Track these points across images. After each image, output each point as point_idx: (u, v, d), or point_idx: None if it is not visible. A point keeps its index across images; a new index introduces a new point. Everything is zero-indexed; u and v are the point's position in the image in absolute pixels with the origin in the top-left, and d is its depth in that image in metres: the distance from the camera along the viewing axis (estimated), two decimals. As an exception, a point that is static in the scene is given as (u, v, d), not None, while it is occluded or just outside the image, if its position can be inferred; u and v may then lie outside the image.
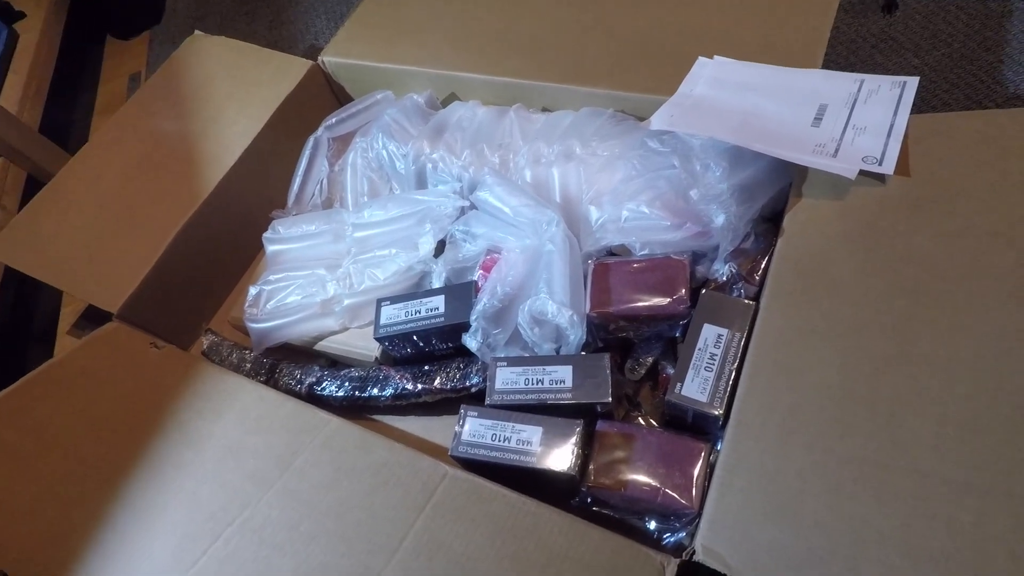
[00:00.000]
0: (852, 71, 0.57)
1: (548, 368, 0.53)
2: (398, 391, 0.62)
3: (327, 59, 0.80)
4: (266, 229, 0.73)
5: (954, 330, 0.43)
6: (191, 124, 0.78)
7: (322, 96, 0.83)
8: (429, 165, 0.69)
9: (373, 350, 0.64)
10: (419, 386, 0.61)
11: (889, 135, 0.51)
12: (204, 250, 0.73)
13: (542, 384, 0.53)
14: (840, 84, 0.57)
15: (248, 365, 0.68)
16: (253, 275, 0.77)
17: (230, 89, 0.80)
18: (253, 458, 0.53)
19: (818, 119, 0.55)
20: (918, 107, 0.52)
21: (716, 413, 0.47)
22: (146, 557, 0.49)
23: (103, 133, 0.81)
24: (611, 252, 0.60)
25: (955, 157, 0.49)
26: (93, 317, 0.83)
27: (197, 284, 0.74)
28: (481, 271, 0.62)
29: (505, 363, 0.55)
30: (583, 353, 0.55)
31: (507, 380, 0.54)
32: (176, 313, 0.72)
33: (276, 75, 0.79)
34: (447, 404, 0.62)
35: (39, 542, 0.52)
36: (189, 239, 0.71)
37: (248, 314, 0.67)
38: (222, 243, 0.75)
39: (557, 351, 0.56)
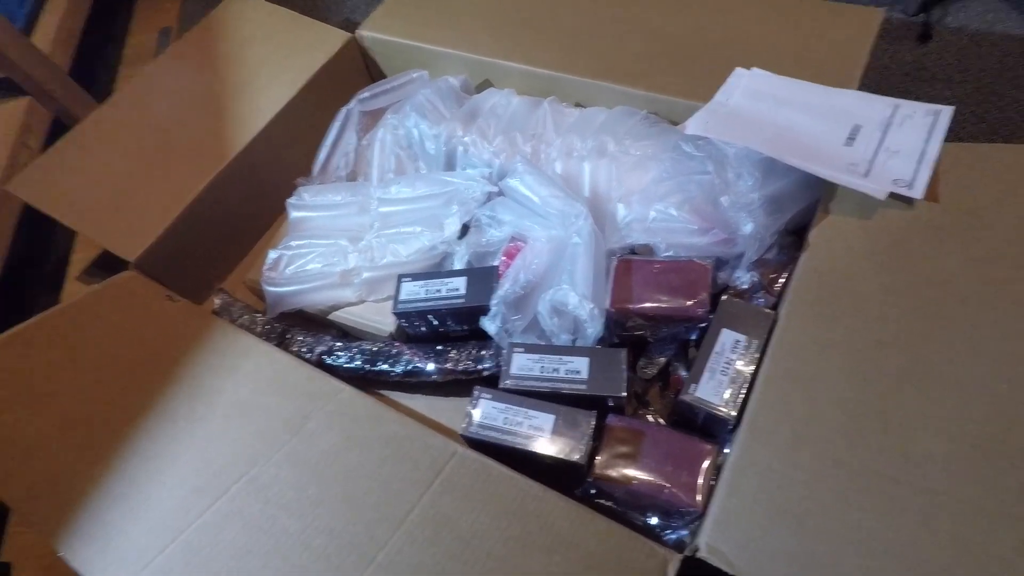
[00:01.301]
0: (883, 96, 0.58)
1: (565, 358, 0.54)
2: (410, 368, 0.62)
3: (364, 33, 0.80)
4: (288, 196, 0.73)
5: (972, 354, 0.44)
6: (223, 84, 0.78)
7: (356, 70, 0.83)
8: (460, 148, 0.69)
9: (387, 325, 0.65)
10: (432, 365, 0.61)
11: (921, 160, 0.52)
12: (226, 210, 0.73)
13: (557, 373, 0.53)
14: (875, 106, 0.57)
15: (259, 328, 0.68)
16: (271, 240, 0.77)
17: (264, 54, 0.80)
18: (264, 418, 0.54)
19: (851, 139, 0.55)
20: (946, 138, 0.53)
21: (729, 416, 0.48)
22: (153, 505, 0.49)
23: (134, 83, 0.81)
24: (634, 251, 0.60)
25: (984, 187, 0.50)
26: (104, 265, 0.82)
27: (215, 243, 0.74)
28: (503, 257, 0.62)
29: (522, 349, 0.55)
30: (600, 347, 0.55)
31: (523, 366, 0.54)
32: (192, 269, 0.72)
33: (313, 44, 0.79)
34: (456, 386, 0.62)
35: (45, 479, 0.52)
36: (212, 197, 0.71)
37: (266, 277, 0.67)
38: (244, 205, 0.75)
39: (573, 342, 0.56)
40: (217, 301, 0.71)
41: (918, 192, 0.51)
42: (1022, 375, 0.42)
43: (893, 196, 0.51)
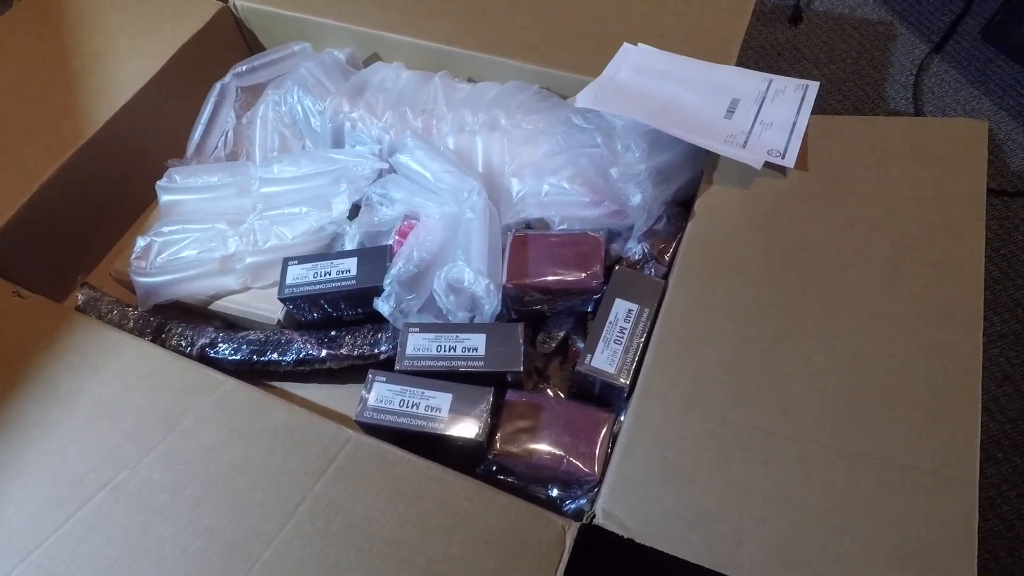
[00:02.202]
0: (759, 73, 0.61)
1: (461, 336, 0.53)
2: (301, 356, 0.59)
3: (239, 3, 0.74)
4: (159, 178, 0.67)
5: (837, 311, 0.47)
6: (74, 54, 0.70)
7: (231, 42, 0.77)
8: (347, 124, 0.66)
9: (275, 312, 0.61)
10: (325, 351, 0.58)
11: (792, 132, 0.55)
12: (85, 193, 0.66)
13: (454, 351, 0.52)
14: (751, 81, 0.60)
15: (131, 324, 0.62)
16: (141, 227, 0.70)
17: (122, 22, 0.73)
18: (133, 417, 0.49)
19: (730, 112, 0.58)
20: (813, 111, 0.57)
21: (623, 383, 0.49)
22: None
23: (-35, 53, 0.71)
24: (529, 225, 0.60)
25: (847, 156, 0.54)
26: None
27: (74, 232, 0.67)
28: (397, 236, 0.60)
29: (417, 329, 0.54)
30: (497, 323, 0.54)
31: (419, 346, 0.53)
32: (47, 262, 0.64)
33: (180, 12, 0.73)
34: (353, 372, 0.60)
35: None
36: (67, 180, 0.63)
37: (135, 267, 0.62)
38: (106, 188, 0.68)
39: (471, 320, 0.55)
40: (81, 296, 0.64)
41: (790, 161, 0.53)
42: (878, 329, 0.45)
43: (768, 166, 0.54)
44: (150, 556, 0.42)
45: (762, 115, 0.57)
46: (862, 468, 0.40)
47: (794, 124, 0.56)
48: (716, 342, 0.47)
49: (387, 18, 0.71)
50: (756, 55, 0.81)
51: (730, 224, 0.53)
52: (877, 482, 0.40)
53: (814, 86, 0.59)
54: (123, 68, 0.69)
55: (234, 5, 0.74)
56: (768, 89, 0.59)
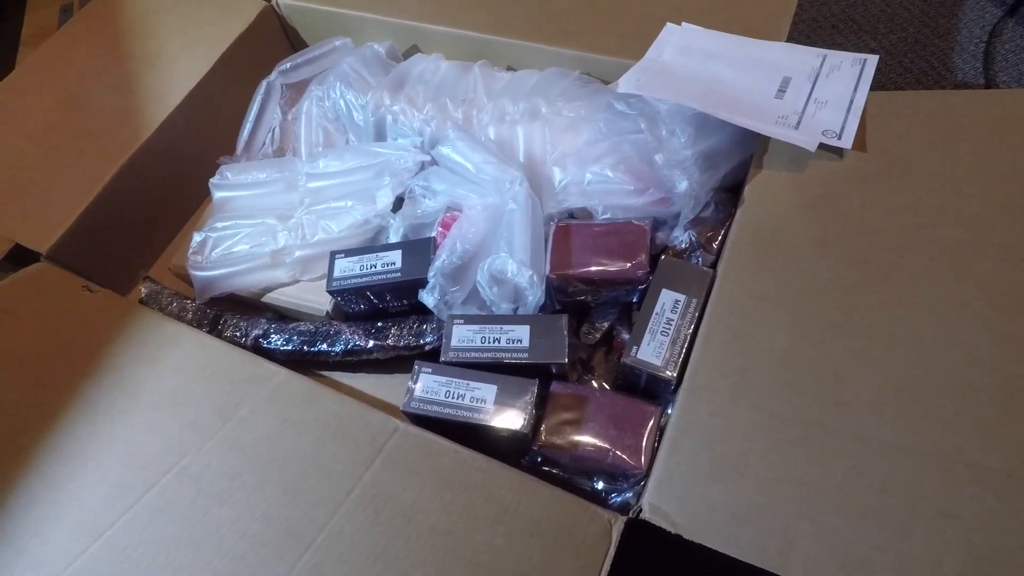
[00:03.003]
0: (812, 48, 0.58)
1: (505, 327, 0.53)
2: (349, 347, 0.60)
3: (282, 1, 0.76)
4: (212, 175, 0.69)
5: (898, 300, 0.44)
6: (130, 59, 0.73)
7: (274, 40, 0.78)
8: (389, 117, 0.67)
9: (324, 304, 0.62)
10: (372, 342, 0.60)
11: (849, 110, 0.52)
12: (144, 192, 0.69)
13: (499, 343, 0.52)
14: (803, 58, 0.57)
15: (190, 315, 0.65)
16: (197, 222, 0.73)
17: (173, 25, 0.75)
18: (193, 407, 0.51)
19: (781, 91, 0.55)
20: (873, 89, 0.53)
21: (670, 376, 0.48)
22: (75, 504, 0.47)
23: (32, 62, 0.75)
24: (572, 215, 0.59)
25: (909, 135, 0.51)
26: (17, 259, 0.77)
27: (136, 228, 0.70)
28: (440, 228, 0.60)
29: (462, 320, 0.54)
30: (541, 314, 0.54)
31: (463, 338, 0.53)
32: (112, 258, 0.68)
33: (226, 13, 0.75)
34: (399, 362, 0.61)
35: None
36: (128, 180, 0.66)
37: (192, 261, 0.64)
38: (164, 186, 0.71)
39: (515, 311, 0.55)
40: (144, 290, 0.67)
41: (847, 142, 0.51)
42: (943, 318, 0.43)
43: (823, 147, 0.51)
44: (211, 539, 0.44)
45: (816, 93, 0.54)
46: (926, 466, 0.38)
47: (851, 102, 0.53)
48: (767, 333, 0.46)
49: (424, 9, 0.71)
50: (808, 29, 0.77)
51: (782, 210, 0.51)
52: (942, 482, 0.38)
53: (872, 60, 0.56)
54: (175, 70, 0.71)
55: (276, 3, 0.76)
56: (822, 65, 0.56)
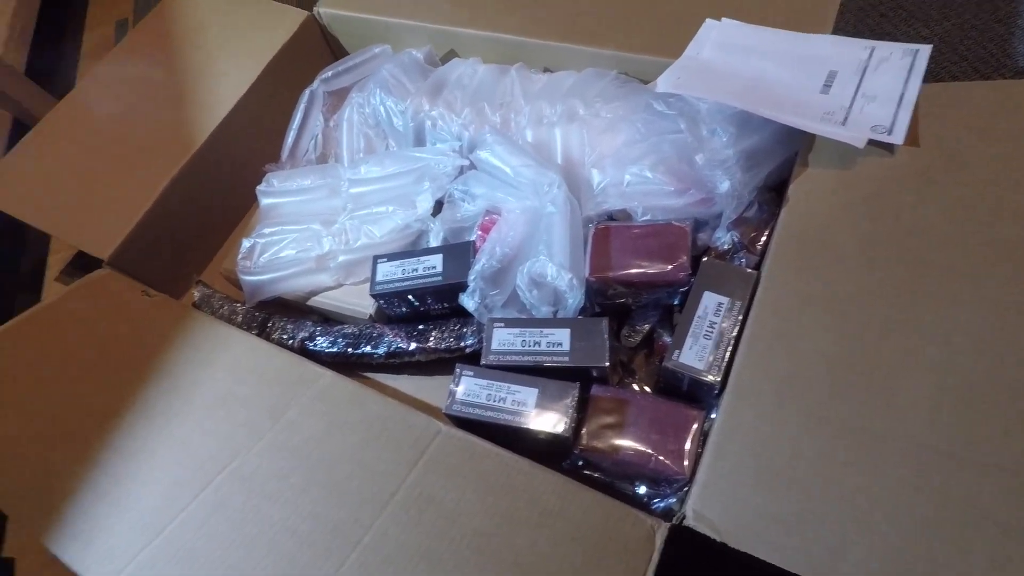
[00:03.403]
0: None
1: (545, 331, 0.53)
2: (392, 349, 0.61)
3: (323, 10, 0.77)
4: (259, 182, 0.71)
5: (955, 302, 0.42)
6: (182, 72, 0.76)
7: (317, 49, 0.80)
8: (428, 122, 0.67)
9: (367, 307, 0.64)
10: (414, 345, 0.61)
11: (900, 104, 0.50)
12: (196, 200, 0.72)
13: (539, 346, 0.53)
14: (850, 51, 0.55)
15: (240, 318, 0.67)
16: (245, 228, 0.75)
17: (221, 38, 0.78)
18: (244, 408, 0.53)
19: (827, 86, 0.54)
20: (925, 78, 0.51)
21: (713, 380, 0.47)
22: (136, 501, 0.49)
23: (92, 77, 0.79)
24: (611, 217, 0.59)
25: (966, 128, 0.49)
26: (81, 265, 0.81)
27: (189, 234, 0.73)
28: (479, 232, 0.61)
29: (502, 324, 0.54)
30: (581, 317, 0.54)
31: (504, 341, 0.54)
32: (167, 262, 0.71)
33: (269, 25, 0.77)
34: (440, 364, 0.62)
35: (31, 479, 0.52)
36: (181, 188, 0.69)
37: (241, 266, 0.66)
38: (214, 194, 0.74)
39: (554, 314, 0.55)
40: (197, 294, 0.70)
41: (898, 137, 0.49)
42: (1004, 321, 0.41)
43: (872, 143, 0.49)
44: (263, 537, 0.46)
45: (864, 87, 0.53)
46: (987, 478, 0.37)
47: (902, 95, 0.51)
48: (814, 335, 0.45)
49: (461, 14, 0.71)
50: (855, 19, 0.74)
51: (829, 209, 0.49)
52: (1005, 495, 0.36)
53: (925, 50, 0.53)
54: (223, 81, 0.74)
55: (318, 13, 0.78)
56: (870, 57, 0.55)
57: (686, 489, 0.45)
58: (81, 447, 0.53)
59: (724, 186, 0.52)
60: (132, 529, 0.48)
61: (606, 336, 0.51)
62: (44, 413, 0.56)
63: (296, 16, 0.77)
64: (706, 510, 0.41)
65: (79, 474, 0.51)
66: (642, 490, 0.49)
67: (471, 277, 0.56)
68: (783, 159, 0.54)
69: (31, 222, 0.70)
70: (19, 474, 0.53)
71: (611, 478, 0.51)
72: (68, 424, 0.55)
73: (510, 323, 0.54)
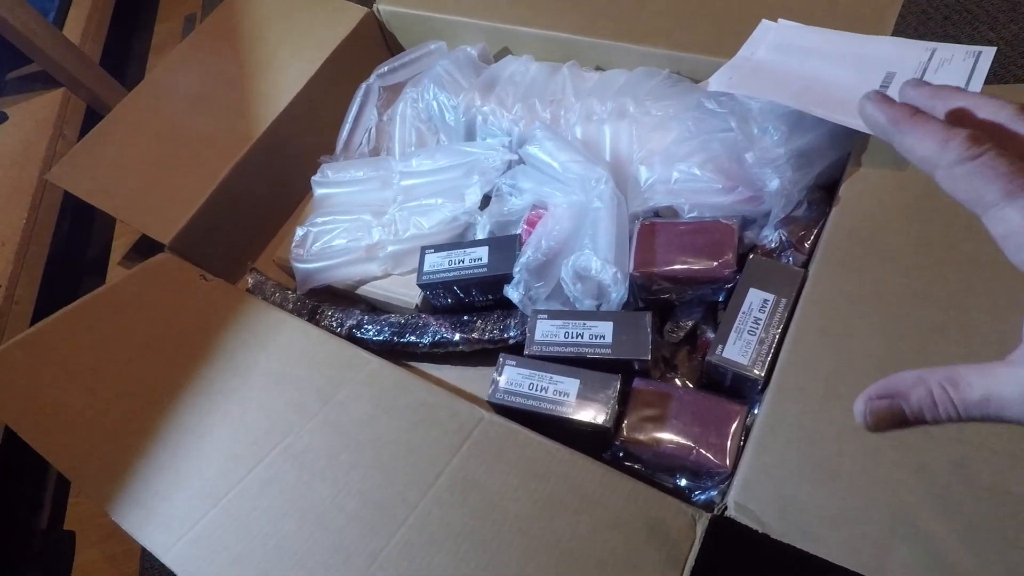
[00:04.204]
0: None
1: (588, 323, 0.54)
2: (437, 339, 0.63)
3: (382, 7, 0.80)
4: (314, 172, 0.74)
5: (1012, 304, 0.42)
6: (245, 65, 0.79)
7: (375, 44, 0.83)
8: (479, 118, 0.69)
9: (414, 297, 0.65)
10: (458, 335, 0.62)
11: (960, 106, 0.49)
12: (253, 189, 0.75)
13: (581, 338, 0.53)
14: (910, 52, 0.55)
15: (290, 305, 0.70)
16: (299, 217, 0.78)
17: (284, 32, 0.81)
18: (296, 389, 0.55)
19: (885, 87, 0.53)
20: (991, 82, 0.50)
21: (757, 375, 0.48)
22: (195, 472, 0.52)
23: (161, 69, 0.83)
24: (657, 213, 0.59)
25: (1028, 131, 0.48)
26: (143, 250, 0.85)
27: (246, 222, 0.76)
28: (525, 226, 0.62)
29: (545, 316, 0.55)
30: (624, 311, 0.55)
31: (547, 332, 0.55)
32: (224, 249, 0.74)
33: (330, 21, 0.80)
34: (483, 355, 0.63)
35: (95, 449, 0.55)
36: (239, 177, 0.72)
37: (294, 254, 0.69)
38: (271, 183, 0.77)
39: (598, 308, 0.56)
40: (250, 280, 0.73)
41: (955, 139, 0.48)
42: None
43: (929, 144, 0.49)
44: (313, 511, 0.48)
45: (923, 89, 0.52)
46: (1038, 478, 0.36)
47: (962, 97, 0.50)
48: (862, 335, 0.44)
49: (516, 12, 0.73)
50: (917, 21, 0.72)
51: (880, 209, 0.49)
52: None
53: (989, 52, 0.52)
54: (284, 74, 0.77)
55: (377, 9, 0.80)
56: (931, 59, 0.54)
57: (727, 482, 0.45)
58: (142, 421, 0.56)
59: (774, 184, 0.52)
60: (190, 500, 0.50)
61: (649, 330, 0.52)
62: (108, 388, 0.59)
63: (356, 12, 0.79)
64: (748, 502, 0.41)
65: (140, 447, 0.54)
66: (683, 482, 0.50)
67: (516, 269, 0.57)
68: (835, 159, 0.54)
69: (99, 206, 0.74)
70: (85, 445, 0.56)
71: (651, 470, 0.51)
72: (130, 399, 0.58)
73: (553, 315, 0.55)
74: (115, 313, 0.65)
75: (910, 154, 0.23)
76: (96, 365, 0.61)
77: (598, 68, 0.70)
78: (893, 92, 0.52)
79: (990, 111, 0.23)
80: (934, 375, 0.23)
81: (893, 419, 0.23)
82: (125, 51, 1.25)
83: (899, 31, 0.57)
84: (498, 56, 0.76)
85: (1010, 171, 0.20)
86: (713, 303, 0.58)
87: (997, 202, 0.21)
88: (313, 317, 0.68)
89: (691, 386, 0.56)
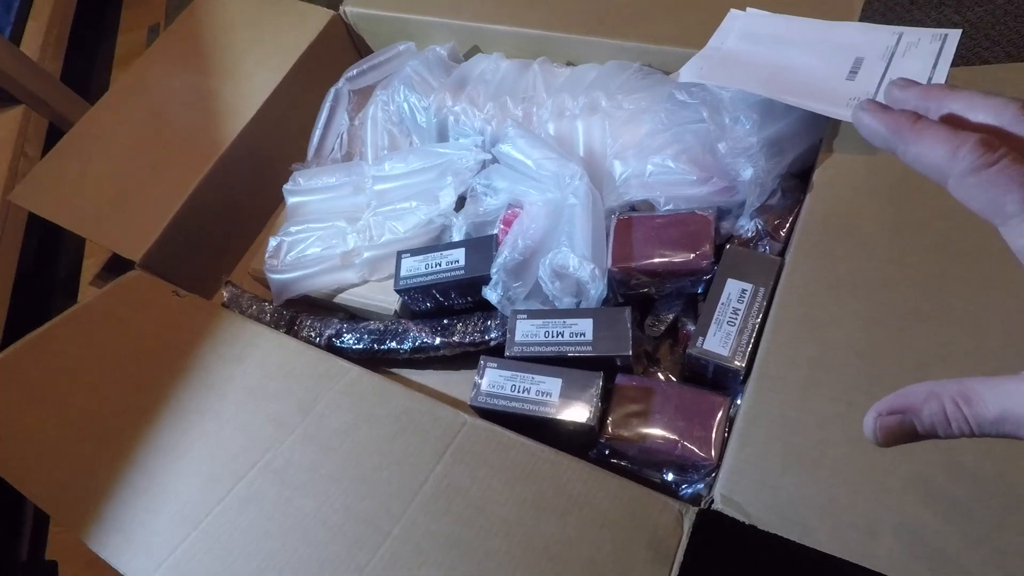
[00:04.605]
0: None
1: (568, 321, 0.53)
2: (417, 344, 0.62)
3: (348, 9, 0.78)
4: (286, 181, 0.73)
5: (986, 285, 0.42)
6: (210, 74, 0.78)
7: (343, 47, 0.82)
8: (451, 118, 0.68)
9: (392, 303, 0.64)
10: (439, 339, 0.61)
11: (927, 88, 0.50)
12: (225, 200, 0.73)
13: (562, 337, 0.53)
14: (878, 37, 0.55)
15: (268, 317, 0.68)
16: (273, 227, 0.77)
17: (249, 39, 0.79)
18: (275, 403, 0.54)
19: (853, 72, 0.53)
20: (956, 64, 0.50)
21: (737, 366, 0.47)
22: (173, 495, 0.50)
23: (123, 82, 0.81)
24: (633, 207, 0.59)
25: (996, 110, 0.48)
26: (115, 268, 0.83)
27: (218, 234, 0.74)
28: (502, 225, 0.61)
29: (525, 316, 0.55)
30: (604, 307, 0.54)
31: (527, 332, 0.54)
32: (197, 263, 0.72)
33: (296, 25, 0.78)
34: (466, 358, 0.62)
35: (68, 477, 0.53)
36: (210, 189, 0.71)
37: (268, 265, 0.68)
38: (242, 194, 0.75)
39: (577, 305, 0.55)
40: (226, 293, 0.72)
41: (925, 121, 0.48)
42: (1038, 300, 0.40)
43: (899, 128, 0.49)
44: (296, 528, 0.47)
45: (891, 73, 0.52)
46: (1021, 459, 0.36)
47: (930, 80, 0.50)
48: (841, 322, 0.44)
49: (485, 10, 0.72)
50: (884, 7, 0.73)
51: (854, 195, 0.49)
52: (1038, 473, 0.36)
53: (955, 35, 0.52)
54: (251, 81, 0.75)
55: (344, 12, 0.79)
56: (898, 43, 0.54)
57: (713, 475, 0.45)
58: (118, 445, 0.54)
59: (747, 173, 0.52)
60: (169, 524, 0.49)
61: (629, 325, 0.51)
62: (81, 413, 0.57)
63: (322, 16, 0.78)
64: (734, 494, 0.41)
65: (116, 471, 0.53)
66: (669, 477, 0.49)
67: (493, 270, 0.56)
68: (807, 146, 0.54)
69: (66, 225, 0.72)
70: (59, 473, 0.54)
71: (638, 466, 0.51)
72: (105, 423, 0.56)
73: (533, 315, 0.55)
74: (86, 335, 0.63)
75: (917, 164, 0.22)
76: (68, 390, 0.59)
77: (569, 63, 0.70)
78: (863, 75, 0.53)
79: (991, 112, 0.22)
80: (947, 390, 0.22)
81: (904, 435, 0.23)
82: (88, 63, 1.22)
83: (866, 16, 0.58)
84: (468, 55, 0.75)
85: None
86: (693, 295, 0.57)
87: (1017, 213, 0.19)
88: (291, 328, 0.67)
89: (674, 379, 0.56)
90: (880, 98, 0.51)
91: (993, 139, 0.20)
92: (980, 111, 0.22)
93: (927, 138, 0.21)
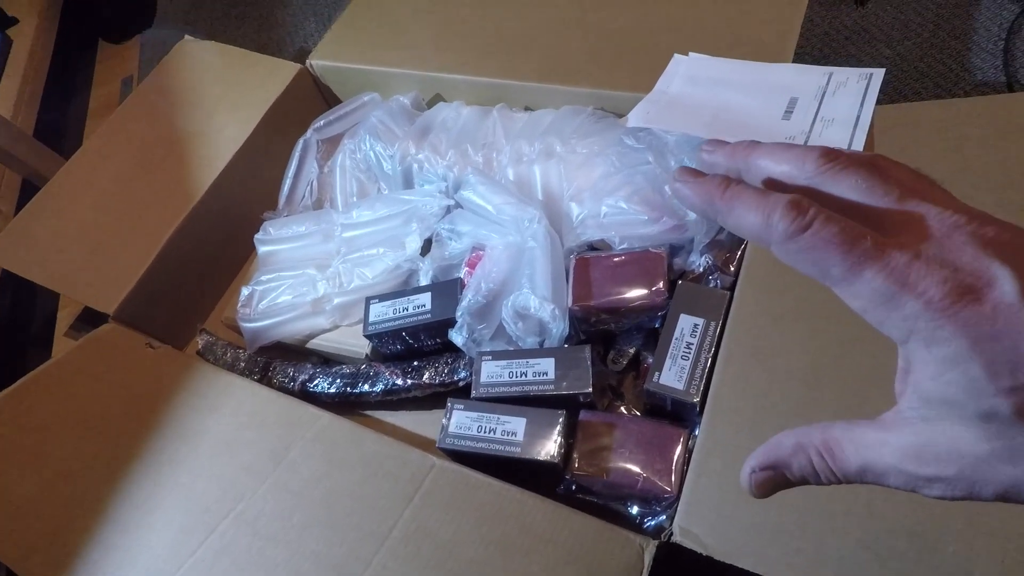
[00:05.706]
0: (826, 63, 0.59)
1: (531, 361, 0.55)
2: (388, 386, 0.63)
3: (315, 62, 0.81)
4: (258, 230, 0.74)
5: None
6: (183, 127, 0.80)
7: (311, 99, 0.84)
8: (415, 165, 0.71)
9: (363, 347, 0.66)
10: (409, 381, 0.62)
11: (856, 126, 0.53)
12: (197, 251, 0.74)
13: (525, 376, 0.54)
14: (810, 77, 0.58)
15: (242, 364, 0.69)
16: (246, 276, 0.78)
17: (220, 93, 0.82)
18: (247, 452, 0.55)
19: (788, 112, 0.56)
20: (891, 97, 0.54)
21: (693, 400, 0.49)
22: (145, 549, 0.51)
23: (97, 137, 0.82)
24: (592, 247, 0.61)
25: (918, 146, 0.51)
26: (89, 319, 0.84)
27: (191, 285, 0.75)
28: (467, 268, 0.63)
29: (490, 357, 0.56)
30: (565, 346, 0.56)
31: (492, 373, 0.56)
32: (171, 314, 0.73)
33: (265, 78, 0.81)
34: (437, 398, 0.63)
35: (41, 536, 0.54)
36: (183, 241, 0.72)
37: (241, 314, 0.69)
38: (215, 244, 0.77)
39: (541, 344, 0.57)
40: (200, 342, 0.73)
41: (856, 158, 0.51)
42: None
43: (832, 165, 0.52)
44: (267, 578, 0.47)
45: (823, 111, 0.55)
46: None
47: (858, 117, 0.53)
48: (787, 352, 0.47)
49: (445, 60, 0.75)
50: (821, 43, 0.77)
51: (795, 229, 0.52)
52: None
53: (879, 74, 0.56)
54: (221, 135, 0.77)
55: (311, 65, 0.81)
56: (828, 83, 0.57)
57: (675, 506, 0.47)
58: (91, 501, 0.55)
59: (693, 213, 0.54)
60: (141, 579, 0.50)
61: (589, 363, 0.53)
62: (55, 470, 0.58)
63: (290, 69, 0.80)
64: (692, 526, 0.42)
65: (89, 528, 0.53)
66: (634, 509, 0.51)
67: (458, 313, 0.58)
68: (751, 183, 0.57)
69: (40, 281, 0.73)
70: (30, 533, 0.54)
71: (604, 500, 0.52)
72: (78, 480, 0.57)
73: (497, 355, 0.56)
74: (59, 390, 0.64)
75: (737, 232, 0.21)
76: (41, 448, 0.59)
77: (527, 108, 0.72)
78: (797, 115, 0.56)
79: (795, 165, 0.21)
80: (812, 440, 0.22)
81: (778, 486, 0.23)
82: (62, 117, 1.24)
83: (805, 53, 0.61)
84: (431, 103, 0.78)
85: (844, 239, 0.18)
86: (653, 329, 0.59)
87: (844, 276, 0.19)
88: (266, 374, 0.68)
89: (638, 413, 0.57)
90: (812, 136, 0.54)
91: (802, 199, 0.19)
92: (785, 164, 0.22)
93: (738, 206, 0.21)
